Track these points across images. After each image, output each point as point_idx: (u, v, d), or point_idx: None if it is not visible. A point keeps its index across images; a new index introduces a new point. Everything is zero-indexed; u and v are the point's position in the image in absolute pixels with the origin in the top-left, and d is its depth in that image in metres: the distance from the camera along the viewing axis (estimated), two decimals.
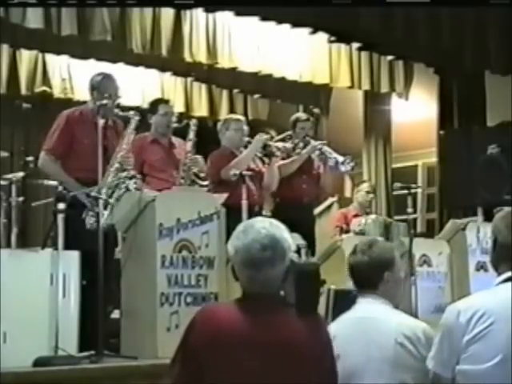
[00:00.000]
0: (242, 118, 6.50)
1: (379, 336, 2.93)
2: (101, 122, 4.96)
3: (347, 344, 2.87)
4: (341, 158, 6.41)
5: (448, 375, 2.62)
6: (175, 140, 5.90)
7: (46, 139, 5.23)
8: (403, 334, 2.91)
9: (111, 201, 4.77)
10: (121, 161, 5.03)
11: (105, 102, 4.96)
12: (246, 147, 6.11)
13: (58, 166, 5.16)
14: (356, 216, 7.22)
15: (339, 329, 2.93)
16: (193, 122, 5.89)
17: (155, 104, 6.01)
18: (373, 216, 7.05)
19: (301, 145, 6.50)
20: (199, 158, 5.82)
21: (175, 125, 5.87)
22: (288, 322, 2.51)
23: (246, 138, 6.15)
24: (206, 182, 5.70)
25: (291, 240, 2.57)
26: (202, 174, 5.75)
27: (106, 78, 5.28)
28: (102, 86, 5.20)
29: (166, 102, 6.11)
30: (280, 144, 6.38)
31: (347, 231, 6.94)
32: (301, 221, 6.09)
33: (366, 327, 2.97)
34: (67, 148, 5.14)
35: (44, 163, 5.24)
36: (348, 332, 2.95)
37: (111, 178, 4.92)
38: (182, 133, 5.93)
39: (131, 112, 5.14)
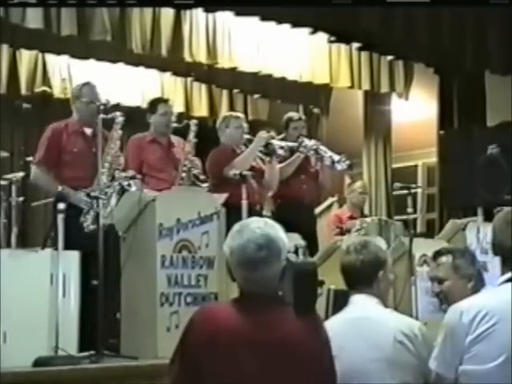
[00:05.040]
0: (241, 115, 6.50)
1: (377, 335, 2.92)
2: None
3: (344, 345, 2.83)
4: (336, 157, 6.41)
5: (451, 376, 2.62)
6: (174, 139, 5.88)
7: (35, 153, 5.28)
8: (402, 331, 2.90)
9: (113, 200, 4.79)
10: (110, 161, 5.04)
11: (104, 101, 4.97)
12: (245, 145, 6.11)
13: (51, 177, 5.19)
14: (351, 217, 7.21)
15: (334, 329, 2.84)
16: (193, 122, 5.86)
17: (154, 103, 5.97)
18: (368, 219, 7.03)
19: (303, 143, 6.50)
20: (197, 160, 5.81)
21: (175, 125, 5.85)
22: (286, 321, 2.51)
23: (246, 136, 6.14)
24: (205, 184, 5.69)
25: (287, 239, 2.58)
26: (201, 177, 5.74)
27: (85, 85, 5.34)
28: (82, 94, 5.26)
29: (166, 101, 6.07)
30: (283, 142, 6.37)
31: (348, 230, 6.93)
32: (303, 221, 6.09)
33: (362, 327, 2.95)
34: (57, 159, 5.19)
35: (36, 176, 5.28)
36: (344, 332, 2.91)
37: (105, 178, 4.94)
38: (181, 133, 5.92)
39: (116, 112, 5.14)
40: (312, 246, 5.77)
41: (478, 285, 3.44)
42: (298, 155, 6.44)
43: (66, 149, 5.20)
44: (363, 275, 3.04)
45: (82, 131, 5.27)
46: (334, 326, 2.94)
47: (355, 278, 3.06)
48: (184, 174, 5.65)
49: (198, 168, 5.74)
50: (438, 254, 3.64)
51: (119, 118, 5.11)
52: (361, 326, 2.96)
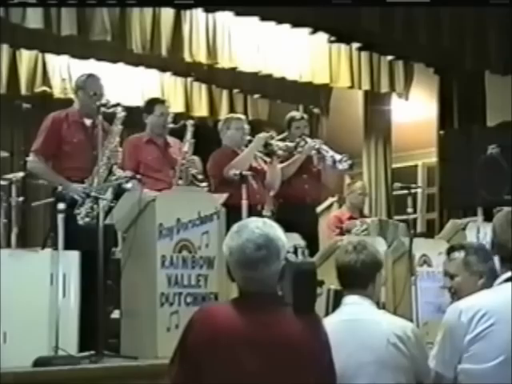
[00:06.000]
0: (242, 116, 6.50)
1: (371, 338, 2.90)
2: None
3: (338, 346, 2.74)
4: (338, 156, 6.41)
5: (450, 375, 2.62)
6: (170, 139, 5.87)
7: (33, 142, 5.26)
8: (395, 333, 2.90)
9: (109, 195, 4.82)
10: (109, 155, 5.05)
11: (104, 101, 4.97)
12: (247, 146, 6.11)
13: (47, 166, 5.18)
14: (350, 218, 7.21)
15: (328, 331, 2.81)
16: (190, 122, 5.86)
17: (151, 104, 5.95)
18: (369, 220, 7.03)
19: (302, 143, 6.50)
20: (196, 159, 5.81)
21: (171, 125, 5.85)
22: (286, 321, 2.51)
23: (247, 137, 6.15)
24: (204, 184, 5.69)
25: (285, 239, 2.58)
26: (200, 176, 5.73)
27: (90, 77, 5.31)
28: (87, 86, 5.23)
29: (162, 102, 6.05)
30: (282, 143, 6.37)
31: (348, 231, 6.93)
32: (305, 221, 6.10)
33: (356, 329, 2.94)
34: (55, 149, 5.16)
35: (32, 164, 5.27)
36: (338, 334, 2.85)
37: (102, 171, 4.94)
38: (179, 133, 5.92)
39: (118, 108, 5.12)
40: (313, 246, 5.76)
41: (490, 282, 3.39)
42: (299, 156, 6.44)
43: (66, 139, 5.16)
44: (362, 276, 3.03)
45: (81, 122, 5.24)
46: (328, 327, 2.91)
47: (353, 278, 3.04)
48: (181, 174, 5.65)
49: (196, 168, 5.74)
50: (451, 249, 3.59)
51: (121, 113, 5.11)
52: (354, 328, 2.95)
